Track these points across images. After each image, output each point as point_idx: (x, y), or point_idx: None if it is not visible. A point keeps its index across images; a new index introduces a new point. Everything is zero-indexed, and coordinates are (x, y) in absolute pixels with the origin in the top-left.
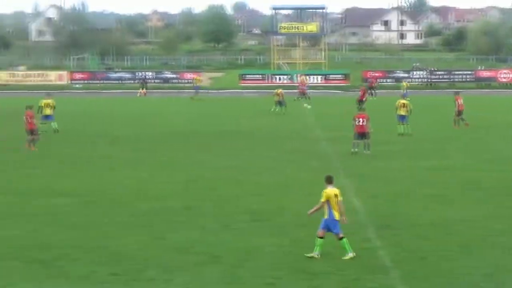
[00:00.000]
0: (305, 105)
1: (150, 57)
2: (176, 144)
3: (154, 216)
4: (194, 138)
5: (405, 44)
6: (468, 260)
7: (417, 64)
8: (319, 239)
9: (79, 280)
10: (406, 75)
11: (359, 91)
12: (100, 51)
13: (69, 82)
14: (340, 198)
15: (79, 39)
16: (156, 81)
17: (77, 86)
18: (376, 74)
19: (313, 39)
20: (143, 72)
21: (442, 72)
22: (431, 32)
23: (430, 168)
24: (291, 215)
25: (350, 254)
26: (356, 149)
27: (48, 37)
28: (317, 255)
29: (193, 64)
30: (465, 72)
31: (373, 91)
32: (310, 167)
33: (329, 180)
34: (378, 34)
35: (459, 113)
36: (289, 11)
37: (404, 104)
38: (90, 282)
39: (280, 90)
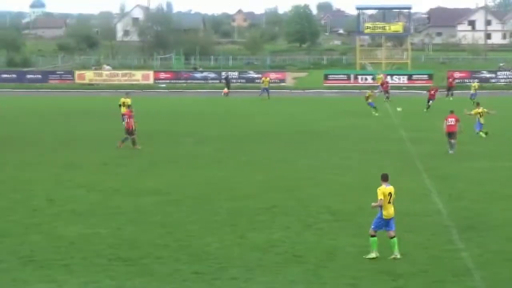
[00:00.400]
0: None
1: (235, 57)
2: (258, 144)
3: (237, 215)
4: (276, 138)
5: (491, 44)
6: None
7: (503, 64)
8: (391, 240)
9: (163, 278)
10: (491, 75)
11: (428, 91)
12: (185, 51)
13: (154, 81)
14: (393, 197)
15: (164, 39)
16: (240, 80)
17: (162, 85)
18: (456, 74)
19: (398, 39)
20: (227, 72)
21: None
22: None
23: None
24: (372, 216)
25: (373, 254)
26: (450, 150)
27: (133, 37)
28: (396, 255)
29: (277, 64)
30: None
31: (451, 92)
32: (392, 167)
33: (384, 178)
34: (464, 34)
35: None
36: (374, 11)
37: (481, 113)
38: (173, 280)
39: (371, 92)
